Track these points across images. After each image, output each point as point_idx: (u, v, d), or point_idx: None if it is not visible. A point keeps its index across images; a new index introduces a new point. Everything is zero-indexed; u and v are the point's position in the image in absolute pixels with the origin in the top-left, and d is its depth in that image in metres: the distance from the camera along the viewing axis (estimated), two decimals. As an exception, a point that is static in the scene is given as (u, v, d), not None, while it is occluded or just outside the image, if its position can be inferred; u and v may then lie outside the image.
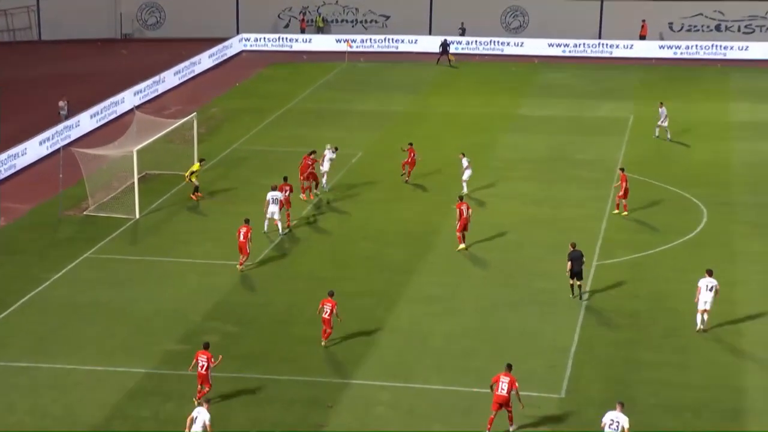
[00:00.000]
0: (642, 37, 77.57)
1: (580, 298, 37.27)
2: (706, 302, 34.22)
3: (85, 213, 45.78)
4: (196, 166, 47.51)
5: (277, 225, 42.76)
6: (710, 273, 34.53)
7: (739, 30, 78.36)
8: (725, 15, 78.27)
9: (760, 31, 78.22)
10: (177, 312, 36.53)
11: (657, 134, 55.51)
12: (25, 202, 47.62)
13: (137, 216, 45.24)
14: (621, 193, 44.97)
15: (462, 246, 41.54)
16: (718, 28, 78.37)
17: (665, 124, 55.14)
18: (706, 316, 34.48)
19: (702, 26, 78.52)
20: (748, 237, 43.09)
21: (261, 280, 39.59)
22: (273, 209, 42.35)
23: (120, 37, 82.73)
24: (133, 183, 45.81)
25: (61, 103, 59.08)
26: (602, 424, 27.62)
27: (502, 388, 28.89)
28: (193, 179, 47.20)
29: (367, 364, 33.10)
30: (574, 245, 37.22)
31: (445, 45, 74.26)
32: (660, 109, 55.39)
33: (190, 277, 39.56)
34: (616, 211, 45.17)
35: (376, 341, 34.55)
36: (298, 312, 36.68)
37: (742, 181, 49.95)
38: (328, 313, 33.83)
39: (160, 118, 52.27)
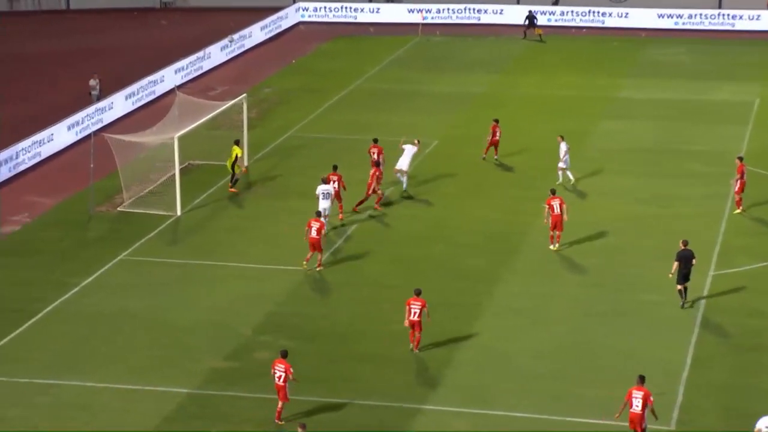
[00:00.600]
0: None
1: (682, 306, 37.13)
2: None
3: (118, 209, 46.04)
4: (238, 151, 47.47)
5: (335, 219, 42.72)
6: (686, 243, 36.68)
7: None
8: None
9: None
10: (223, 324, 36.62)
11: None
12: (51, 196, 48.05)
13: (178, 213, 45.44)
14: (737, 188, 44.44)
15: (552, 247, 41.43)
16: None
17: None
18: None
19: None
20: None
21: (319, 288, 39.61)
22: (325, 205, 42.43)
23: (159, 5, 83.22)
24: (174, 175, 45.99)
25: (92, 82, 59.35)
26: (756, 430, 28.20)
27: (636, 405, 28.69)
28: (237, 168, 47.33)
29: (442, 387, 32.98)
30: (685, 243, 37.17)
31: (531, 17, 74.06)
32: None
33: (238, 284, 39.64)
34: (738, 211, 44.64)
35: (452, 360, 34.40)
36: (362, 325, 36.63)
37: None
38: (417, 315, 34.04)
39: (205, 100, 52.56)
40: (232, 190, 47.63)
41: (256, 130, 54.78)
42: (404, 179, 47.24)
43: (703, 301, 37.62)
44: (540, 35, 73.58)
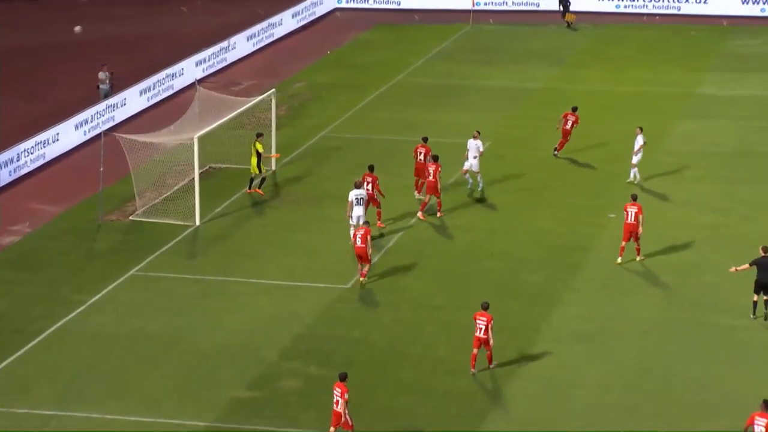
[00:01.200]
0: None
1: (765, 319, 36.92)
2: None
3: (131, 218, 46.04)
4: (258, 146, 47.36)
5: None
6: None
7: None
8: None
9: None
10: (246, 347, 36.51)
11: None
12: (56, 203, 48.08)
13: (197, 223, 45.43)
14: None
15: (618, 260, 41.55)
16: None
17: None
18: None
19: None
20: None
21: (354, 307, 39.45)
22: (358, 212, 42.40)
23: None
24: (193, 180, 45.94)
25: (101, 75, 59.26)
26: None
27: None
28: (263, 168, 47.43)
29: (494, 421, 32.71)
30: (766, 250, 37.10)
31: (564, 1, 74.33)
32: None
33: (263, 302, 39.56)
34: None
35: (506, 391, 34.18)
36: (403, 349, 36.45)
37: None
38: (483, 331, 34.06)
39: (229, 96, 52.48)
40: (258, 191, 47.64)
41: (286, 129, 54.78)
42: (478, 179, 47.62)
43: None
44: (569, 23, 73.89)
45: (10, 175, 49.92)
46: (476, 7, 76.14)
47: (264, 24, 71.09)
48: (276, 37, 72.08)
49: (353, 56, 69.35)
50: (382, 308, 39.36)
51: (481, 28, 74.38)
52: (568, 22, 74.22)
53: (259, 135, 48.14)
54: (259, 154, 47.38)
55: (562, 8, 74.72)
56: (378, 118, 58.08)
